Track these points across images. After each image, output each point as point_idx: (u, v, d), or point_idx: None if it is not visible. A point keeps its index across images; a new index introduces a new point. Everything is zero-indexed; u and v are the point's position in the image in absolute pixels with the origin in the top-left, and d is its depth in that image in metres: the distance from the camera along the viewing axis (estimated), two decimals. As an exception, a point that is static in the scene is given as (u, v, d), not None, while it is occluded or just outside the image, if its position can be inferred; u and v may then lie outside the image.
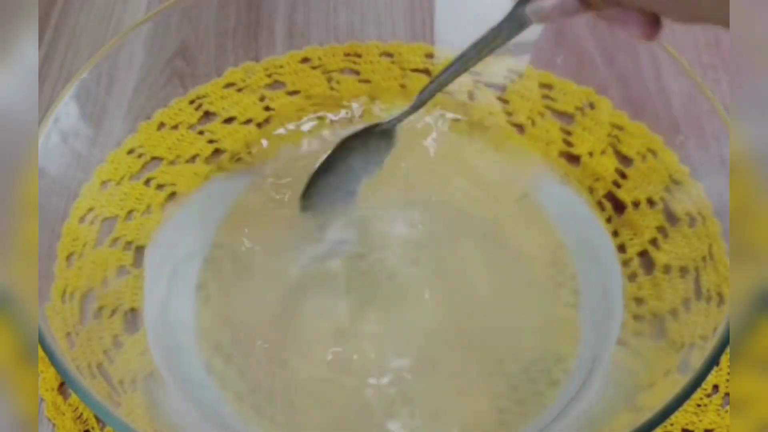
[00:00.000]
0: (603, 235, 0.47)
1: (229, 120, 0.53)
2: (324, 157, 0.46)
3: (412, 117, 0.51)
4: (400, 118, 0.45)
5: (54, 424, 0.42)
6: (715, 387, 0.43)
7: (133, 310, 0.44)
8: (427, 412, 0.42)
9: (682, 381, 0.36)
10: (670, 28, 0.34)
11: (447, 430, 0.41)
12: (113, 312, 0.44)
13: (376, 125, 0.46)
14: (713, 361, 0.37)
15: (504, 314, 0.45)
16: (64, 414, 0.42)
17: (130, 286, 0.45)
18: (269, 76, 0.54)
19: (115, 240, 0.46)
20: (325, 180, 0.47)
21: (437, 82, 0.43)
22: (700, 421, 0.42)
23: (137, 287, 0.45)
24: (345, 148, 0.46)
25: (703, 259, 0.44)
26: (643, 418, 0.35)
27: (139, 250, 0.47)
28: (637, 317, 0.44)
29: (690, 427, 0.42)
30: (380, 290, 0.46)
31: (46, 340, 0.37)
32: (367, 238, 0.48)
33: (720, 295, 0.41)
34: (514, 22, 0.38)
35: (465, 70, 0.41)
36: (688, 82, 0.46)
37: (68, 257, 0.44)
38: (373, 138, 0.46)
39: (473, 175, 0.50)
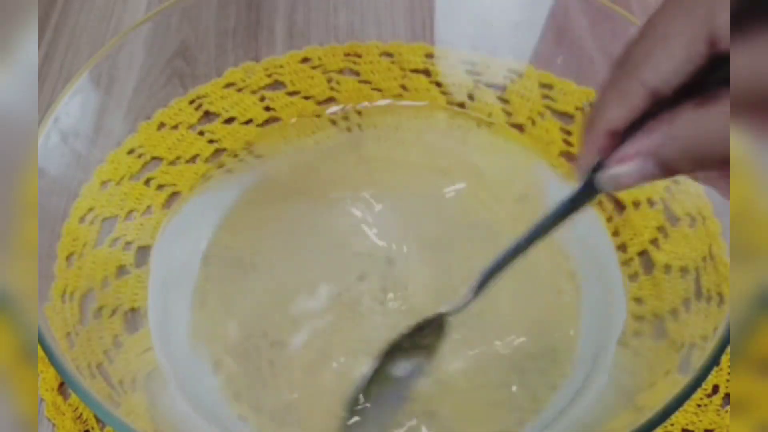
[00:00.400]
0: (603, 235, 0.47)
1: (229, 120, 0.53)
2: (371, 368, 0.42)
3: (409, 115, 0.51)
4: (454, 309, 0.41)
5: (54, 424, 0.42)
6: (715, 387, 0.43)
7: (132, 310, 0.44)
8: (426, 413, 0.42)
9: (682, 381, 0.37)
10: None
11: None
12: (113, 312, 0.44)
13: (426, 321, 0.42)
14: (713, 361, 0.37)
15: (503, 313, 0.45)
16: (64, 414, 0.42)
17: (130, 286, 0.45)
18: (269, 76, 0.54)
19: (115, 240, 0.46)
20: (373, 391, 0.42)
21: (502, 260, 0.39)
22: (700, 421, 0.42)
23: (137, 287, 0.45)
24: (393, 353, 0.42)
25: (703, 259, 0.44)
26: (643, 418, 0.35)
27: (140, 250, 0.47)
28: (637, 317, 0.44)
29: (690, 427, 0.42)
30: (379, 287, 0.46)
31: (46, 340, 0.37)
32: (365, 238, 0.48)
33: (720, 295, 0.41)
34: (587, 193, 0.34)
35: (531, 244, 0.38)
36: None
37: (68, 257, 0.44)
38: (423, 336, 0.42)
39: (473, 174, 0.51)
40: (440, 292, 0.45)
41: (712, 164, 0.30)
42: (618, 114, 0.31)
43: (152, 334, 0.43)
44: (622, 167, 0.32)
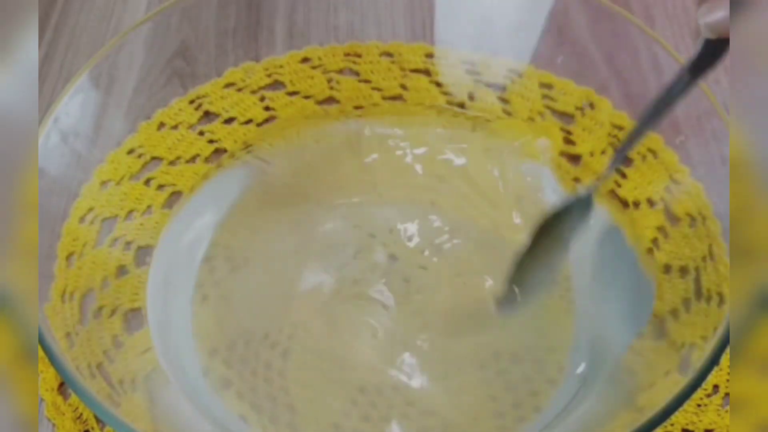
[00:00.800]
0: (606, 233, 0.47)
1: (229, 120, 0.53)
2: (528, 242, 0.42)
3: (409, 115, 0.51)
4: (599, 181, 0.42)
5: (54, 424, 0.42)
6: (716, 387, 0.43)
7: (132, 310, 0.44)
8: (426, 412, 0.42)
9: (682, 381, 0.37)
10: (669, 29, 0.34)
11: (446, 429, 0.41)
12: (113, 312, 0.44)
13: (574, 198, 0.42)
14: (713, 361, 0.37)
15: (497, 315, 0.45)
16: (64, 414, 0.42)
17: (130, 286, 0.45)
18: (269, 76, 0.54)
19: (115, 240, 0.46)
20: (530, 264, 0.42)
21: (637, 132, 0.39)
22: (700, 421, 0.42)
23: (137, 287, 0.45)
24: (546, 227, 0.42)
25: (703, 259, 0.44)
26: (643, 418, 0.35)
27: (140, 250, 0.47)
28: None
29: (690, 427, 0.42)
30: (378, 288, 0.46)
31: (46, 340, 0.37)
32: (365, 238, 0.48)
33: (720, 295, 0.41)
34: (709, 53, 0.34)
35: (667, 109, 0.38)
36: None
37: (68, 257, 0.44)
38: (572, 211, 0.42)
39: (473, 175, 0.51)
40: (443, 289, 0.46)
41: None
42: None
43: (152, 334, 0.43)
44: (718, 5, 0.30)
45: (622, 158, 0.41)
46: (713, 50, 0.34)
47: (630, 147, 0.40)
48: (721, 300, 0.41)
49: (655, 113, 0.38)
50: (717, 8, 0.31)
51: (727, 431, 0.41)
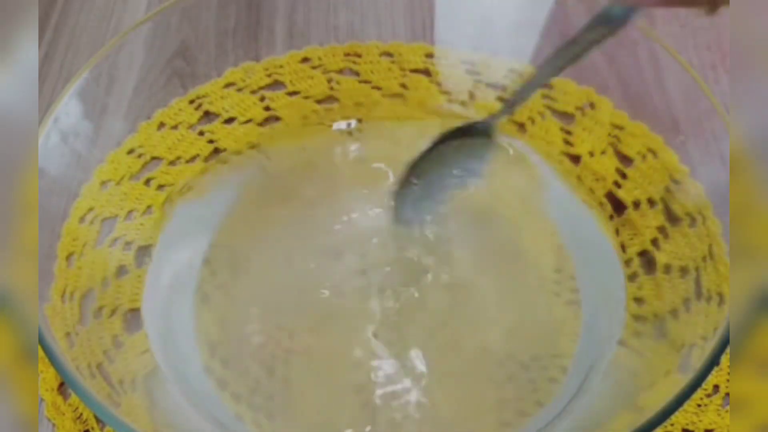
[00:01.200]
0: (603, 236, 0.47)
1: (229, 120, 0.53)
2: (420, 153, 0.44)
3: (409, 116, 0.51)
4: (495, 117, 0.42)
5: (54, 424, 0.42)
6: (716, 387, 0.43)
7: (132, 310, 0.44)
8: (426, 411, 0.42)
9: (682, 381, 0.36)
10: (669, 29, 0.34)
11: (446, 428, 0.42)
12: (113, 312, 0.44)
13: (473, 123, 0.43)
14: (714, 361, 0.37)
15: (503, 313, 0.45)
16: (64, 414, 0.42)
17: (130, 286, 0.45)
18: (269, 76, 0.54)
19: (115, 240, 0.46)
20: (419, 180, 0.44)
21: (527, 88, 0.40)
22: (701, 421, 0.42)
23: (137, 287, 0.45)
24: (442, 147, 0.43)
25: (704, 259, 0.44)
26: (643, 418, 0.35)
27: (140, 250, 0.47)
28: (637, 317, 0.44)
29: (690, 427, 0.42)
30: (378, 288, 0.46)
31: (46, 340, 0.37)
32: (365, 238, 0.48)
33: (720, 295, 0.41)
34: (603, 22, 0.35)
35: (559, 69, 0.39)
36: (688, 82, 0.46)
37: (68, 257, 0.44)
38: (472, 140, 0.43)
39: (473, 175, 0.50)
40: (444, 290, 0.46)
41: None
42: None
43: (150, 335, 0.43)
44: None
45: (519, 100, 0.41)
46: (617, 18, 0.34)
47: (527, 92, 0.40)
48: (721, 300, 0.41)
49: (556, 60, 0.38)
50: None
51: (727, 431, 0.41)
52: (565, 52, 0.38)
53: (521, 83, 0.41)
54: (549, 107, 0.52)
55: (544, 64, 0.39)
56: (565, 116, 0.52)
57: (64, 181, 0.46)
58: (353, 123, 0.53)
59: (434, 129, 0.52)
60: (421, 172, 0.45)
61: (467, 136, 0.44)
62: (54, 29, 0.59)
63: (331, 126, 0.53)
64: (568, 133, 0.51)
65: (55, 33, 0.59)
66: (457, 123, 0.44)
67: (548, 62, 0.39)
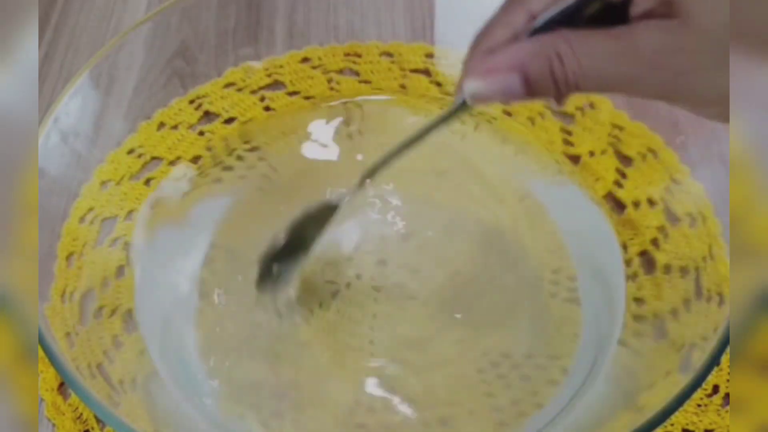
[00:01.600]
0: (606, 235, 0.47)
1: (229, 120, 0.53)
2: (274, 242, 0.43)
3: (409, 115, 0.51)
4: (347, 194, 0.42)
5: (54, 424, 0.42)
6: (716, 387, 0.43)
7: (132, 310, 0.44)
8: (425, 411, 0.42)
9: (682, 381, 0.37)
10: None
11: (446, 428, 0.41)
12: (113, 312, 0.44)
13: (326, 203, 0.43)
14: (714, 361, 0.37)
15: (503, 313, 0.45)
16: (63, 414, 0.42)
17: (129, 286, 0.45)
18: (269, 76, 0.54)
19: (115, 240, 0.46)
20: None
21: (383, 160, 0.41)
22: (701, 421, 0.42)
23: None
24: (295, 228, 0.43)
25: (704, 259, 0.44)
26: (643, 418, 0.35)
27: (139, 250, 0.47)
28: (637, 317, 0.44)
29: (690, 427, 0.42)
30: (380, 289, 0.46)
31: (46, 340, 0.37)
32: (368, 238, 0.48)
33: (720, 295, 0.42)
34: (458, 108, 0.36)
35: (407, 148, 0.40)
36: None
37: (68, 257, 0.45)
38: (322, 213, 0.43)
39: (473, 174, 0.51)
40: (439, 291, 0.46)
41: (602, 86, 0.31)
42: (501, 35, 0.33)
43: (151, 336, 0.43)
44: (487, 80, 0.32)
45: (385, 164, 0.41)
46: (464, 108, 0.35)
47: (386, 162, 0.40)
48: (722, 300, 0.41)
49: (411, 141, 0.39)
50: (484, 82, 0.32)
51: (727, 431, 0.41)
52: (423, 130, 0.39)
53: (383, 155, 0.41)
54: (549, 107, 0.52)
55: (404, 140, 0.40)
56: (566, 116, 0.52)
57: (64, 181, 0.46)
58: (353, 123, 0.53)
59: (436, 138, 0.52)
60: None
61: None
62: (54, 29, 0.59)
63: (331, 126, 0.53)
64: (568, 133, 0.51)
65: (55, 33, 0.59)
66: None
67: (407, 139, 0.40)
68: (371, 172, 0.41)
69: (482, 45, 0.34)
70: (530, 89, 0.31)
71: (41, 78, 0.56)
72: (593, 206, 0.48)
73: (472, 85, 0.33)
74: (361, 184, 0.41)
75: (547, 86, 0.31)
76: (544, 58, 0.31)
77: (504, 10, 0.34)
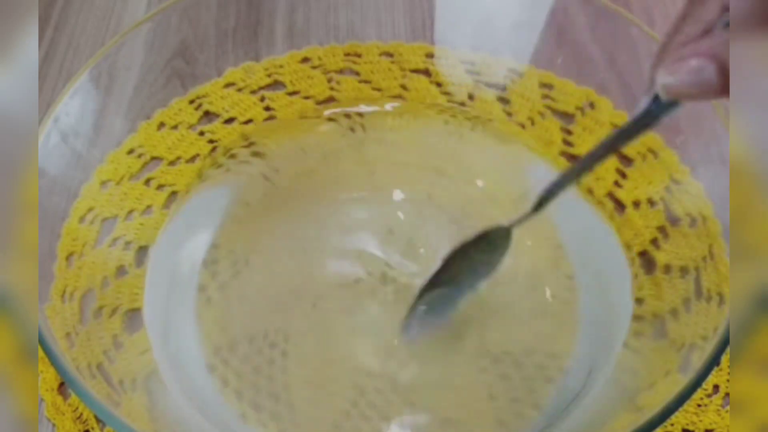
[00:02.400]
0: (606, 235, 0.47)
1: (229, 120, 0.53)
2: (434, 270, 0.43)
3: (410, 116, 0.51)
4: (520, 220, 0.42)
5: (54, 424, 0.42)
6: (716, 387, 0.43)
7: (132, 310, 0.45)
8: (425, 410, 0.42)
9: (682, 381, 0.37)
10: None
11: (445, 428, 0.42)
12: (113, 312, 0.44)
13: (490, 229, 0.42)
14: (714, 361, 0.37)
15: (501, 312, 0.45)
16: (63, 414, 0.42)
17: (129, 286, 0.45)
18: (269, 76, 0.55)
19: (115, 240, 0.46)
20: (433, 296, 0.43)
21: (563, 179, 0.40)
22: (701, 421, 0.42)
23: (137, 287, 0.45)
24: (456, 259, 0.42)
25: (704, 259, 0.44)
26: (643, 418, 0.35)
27: (140, 250, 0.47)
28: (637, 317, 0.44)
29: (690, 427, 0.42)
30: (378, 287, 0.46)
31: (46, 340, 0.37)
32: (363, 236, 0.48)
33: (720, 295, 0.42)
34: (653, 111, 0.34)
35: (595, 164, 0.38)
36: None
37: (68, 257, 0.44)
38: (486, 243, 0.42)
39: (472, 174, 0.51)
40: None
41: None
42: (693, 30, 0.31)
43: (151, 335, 0.43)
44: (680, 69, 0.31)
45: (553, 194, 0.40)
46: (661, 109, 0.34)
47: (563, 185, 0.40)
48: (722, 300, 0.41)
49: (596, 156, 0.38)
50: (677, 72, 0.32)
51: (727, 431, 0.42)
52: (601, 148, 0.37)
53: (552, 181, 0.40)
54: (549, 107, 0.53)
55: (576, 164, 0.38)
56: (566, 116, 0.52)
57: (64, 181, 0.46)
58: (354, 123, 0.53)
59: (435, 128, 0.52)
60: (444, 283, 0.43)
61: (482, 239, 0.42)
62: (54, 29, 0.59)
63: (332, 126, 0.53)
64: (568, 132, 0.52)
65: (55, 32, 0.59)
66: (474, 231, 0.42)
67: (582, 160, 0.38)
68: (548, 196, 0.40)
69: (674, 40, 0.32)
70: (727, 81, 0.30)
71: (41, 78, 0.56)
72: (591, 207, 0.49)
73: (666, 78, 0.32)
74: (538, 207, 0.41)
75: None
76: None
77: (693, 3, 0.32)
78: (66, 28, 0.60)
